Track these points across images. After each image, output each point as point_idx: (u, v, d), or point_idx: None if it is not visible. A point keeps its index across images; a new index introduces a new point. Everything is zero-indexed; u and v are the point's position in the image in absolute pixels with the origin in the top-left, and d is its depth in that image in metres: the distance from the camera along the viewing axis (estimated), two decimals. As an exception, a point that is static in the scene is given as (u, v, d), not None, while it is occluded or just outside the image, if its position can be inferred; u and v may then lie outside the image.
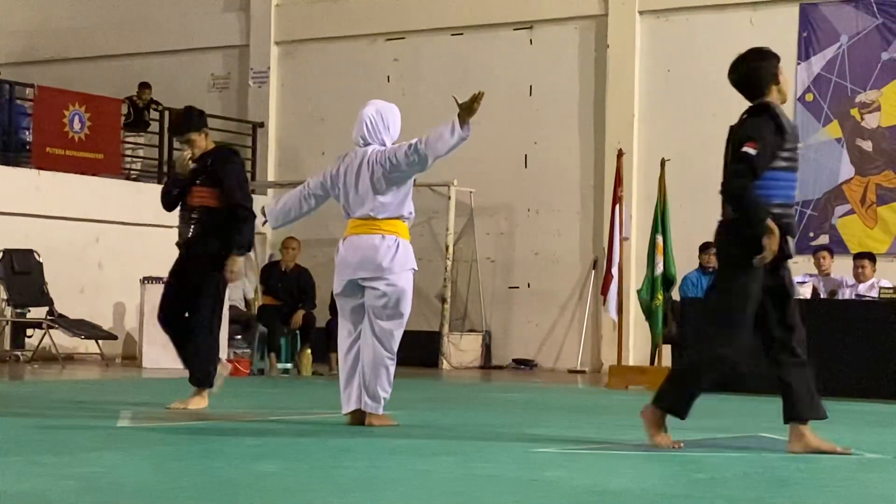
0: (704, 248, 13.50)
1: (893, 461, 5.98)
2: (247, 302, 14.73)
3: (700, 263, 13.47)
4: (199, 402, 8.05)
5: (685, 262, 13.30)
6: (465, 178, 16.38)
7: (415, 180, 7.19)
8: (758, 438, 6.89)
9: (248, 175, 18.70)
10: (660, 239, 12.47)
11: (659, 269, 12.38)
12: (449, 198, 16.57)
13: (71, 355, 15.01)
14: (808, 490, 5.11)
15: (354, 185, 7.06)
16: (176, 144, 8.19)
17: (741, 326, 5.90)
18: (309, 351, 13.75)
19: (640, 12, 16.25)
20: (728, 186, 5.89)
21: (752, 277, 5.88)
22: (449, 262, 16.55)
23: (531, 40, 17.02)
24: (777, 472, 5.50)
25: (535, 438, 6.65)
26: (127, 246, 15.40)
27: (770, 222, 5.78)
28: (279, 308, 13.82)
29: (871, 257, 12.74)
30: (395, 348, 7.04)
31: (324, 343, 13.59)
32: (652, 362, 12.86)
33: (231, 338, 13.66)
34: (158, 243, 13.43)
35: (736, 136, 6.00)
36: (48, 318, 14.43)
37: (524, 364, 16.42)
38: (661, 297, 12.33)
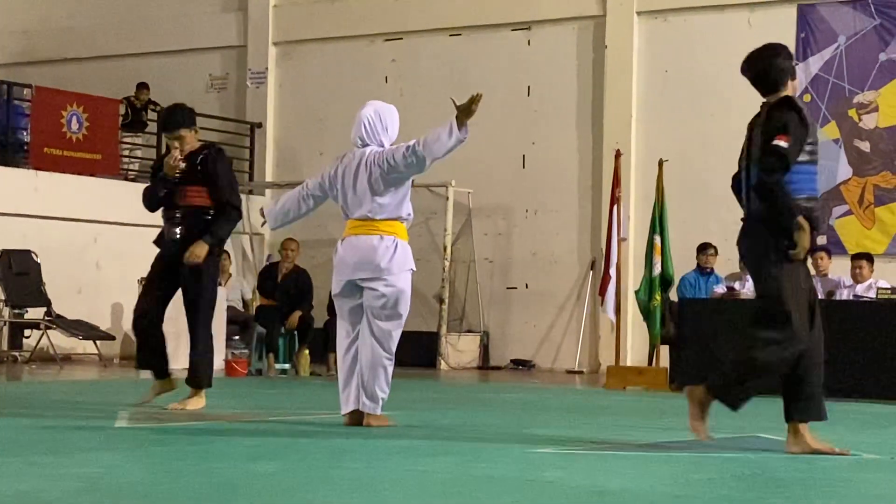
0: (702, 248, 13.51)
1: (891, 462, 5.98)
2: (245, 302, 14.73)
3: (698, 264, 13.48)
4: (198, 403, 8.05)
5: (683, 262, 13.31)
6: (462, 179, 16.38)
7: (413, 181, 7.19)
8: (756, 439, 6.89)
9: (247, 176, 18.73)
10: (658, 239, 12.47)
11: (657, 269, 12.38)
12: (447, 198, 16.58)
13: (69, 356, 15.01)
14: (806, 491, 5.12)
15: (353, 185, 7.06)
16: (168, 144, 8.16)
17: (797, 321, 5.87)
18: (307, 351, 13.75)
19: (638, 13, 16.26)
20: (762, 181, 5.81)
21: (792, 269, 5.88)
22: (447, 263, 16.56)
23: (529, 41, 17.02)
24: (775, 473, 5.50)
25: (533, 439, 6.65)
26: (125, 246, 15.39)
27: (801, 218, 5.79)
28: (277, 308, 13.82)
29: (869, 258, 12.74)
30: (394, 349, 7.04)
31: (322, 343, 13.60)
32: (650, 363, 12.86)
33: (229, 338, 13.66)
34: (156, 244, 13.42)
35: (760, 130, 5.92)
36: (46, 318, 14.42)
37: (522, 364, 16.43)
38: (658, 297, 12.33)
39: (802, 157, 5.92)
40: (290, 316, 13.71)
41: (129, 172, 17.52)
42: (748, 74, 6.13)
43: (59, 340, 14.63)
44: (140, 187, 8.30)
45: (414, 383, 11.98)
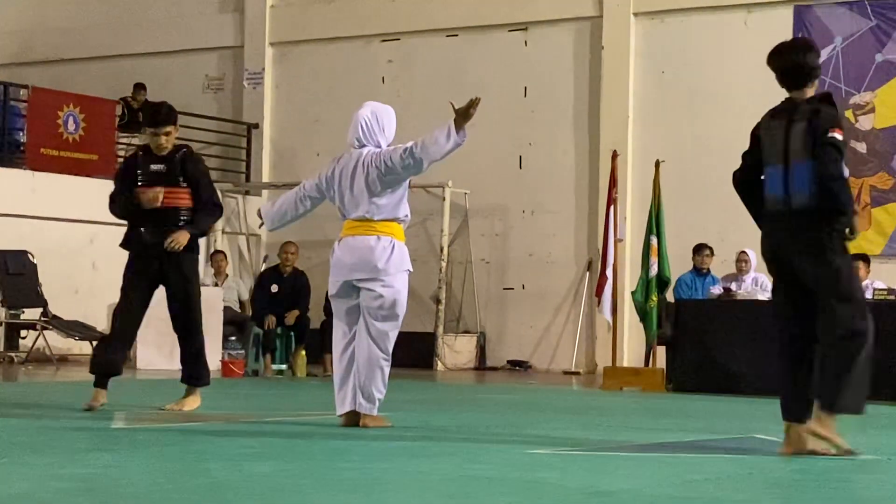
0: (698, 249, 13.51)
1: (888, 463, 5.99)
2: (241, 303, 14.72)
3: (694, 265, 13.48)
4: (194, 402, 8.06)
5: (679, 263, 13.31)
6: (459, 180, 16.38)
7: (410, 182, 7.19)
8: (752, 440, 6.90)
9: (244, 176, 18.74)
10: (654, 240, 12.47)
11: (653, 270, 12.38)
12: (443, 199, 16.58)
13: (65, 356, 14.99)
14: (803, 491, 5.12)
15: (350, 186, 7.06)
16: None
17: (863, 300, 5.91)
18: (303, 352, 13.75)
19: (635, 14, 16.26)
20: (828, 172, 5.80)
21: (848, 256, 5.93)
22: (443, 264, 16.56)
23: (526, 42, 17.03)
24: (771, 474, 5.51)
25: (530, 440, 6.65)
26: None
27: (855, 205, 5.85)
28: (276, 310, 13.81)
29: (866, 259, 12.75)
30: (390, 349, 7.05)
31: (318, 344, 13.59)
32: (646, 363, 12.86)
33: (226, 339, 13.66)
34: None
35: (804, 125, 5.87)
36: (42, 319, 14.42)
37: (519, 365, 16.43)
38: (655, 298, 12.33)
39: None
40: (289, 312, 13.70)
41: (126, 173, 17.49)
42: (779, 65, 6.05)
43: (56, 341, 14.62)
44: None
45: (411, 384, 11.98)
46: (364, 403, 6.98)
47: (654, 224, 12.53)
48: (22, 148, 16.15)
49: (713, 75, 15.79)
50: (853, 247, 12.47)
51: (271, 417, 7.90)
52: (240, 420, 7.66)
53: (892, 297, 11.62)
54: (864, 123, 15.01)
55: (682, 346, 12.12)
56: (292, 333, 13.91)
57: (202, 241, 18.02)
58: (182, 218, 7.96)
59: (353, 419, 7.02)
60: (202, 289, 14.12)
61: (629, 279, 14.59)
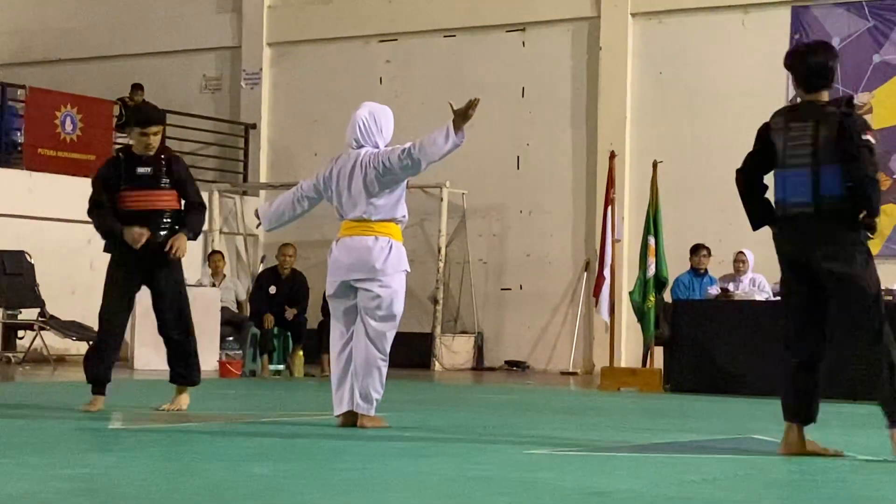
0: (695, 249, 13.51)
1: (885, 463, 5.99)
2: (238, 303, 14.72)
3: (692, 265, 13.48)
4: (186, 400, 8.08)
5: (677, 263, 13.31)
6: (457, 180, 16.39)
7: (407, 182, 7.19)
8: (749, 440, 6.90)
9: (241, 177, 18.74)
10: (652, 240, 12.48)
11: (651, 270, 12.39)
12: (441, 199, 16.58)
13: (62, 357, 14.99)
14: (800, 492, 5.12)
15: (347, 187, 7.06)
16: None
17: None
18: (301, 352, 13.75)
19: (633, 14, 16.27)
20: (866, 174, 5.82)
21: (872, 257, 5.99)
22: (441, 264, 16.56)
23: (524, 42, 17.03)
24: (769, 474, 5.51)
25: (528, 440, 6.66)
26: (119, 247, 15.37)
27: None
28: (274, 311, 13.81)
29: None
30: (388, 349, 7.04)
31: (316, 345, 13.59)
32: (644, 364, 12.86)
33: (223, 339, 13.65)
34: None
35: (834, 128, 5.87)
36: (40, 319, 14.41)
37: (516, 365, 16.43)
38: (653, 298, 12.34)
39: None
40: (289, 310, 13.71)
41: (124, 173, 17.48)
42: (804, 67, 6.02)
43: (53, 341, 14.61)
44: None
45: (408, 384, 11.98)
46: (361, 404, 6.98)
47: (652, 224, 12.53)
48: (19, 148, 16.15)
49: (711, 76, 15.80)
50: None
51: (269, 418, 7.90)
52: (237, 420, 7.66)
53: (889, 298, 11.62)
54: (862, 124, 15.01)
55: (680, 346, 12.13)
56: (289, 334, 13.91)
57: (199, 242, 18.08)
58: (167, 220, 7.95)
59: (350, 419, 7.02)
60: (200, 289, 14.27)
61: (627, 279, 14.61)
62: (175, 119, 17.74)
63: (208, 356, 13.75)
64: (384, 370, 7.04)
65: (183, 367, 8.10)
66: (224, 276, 14.85)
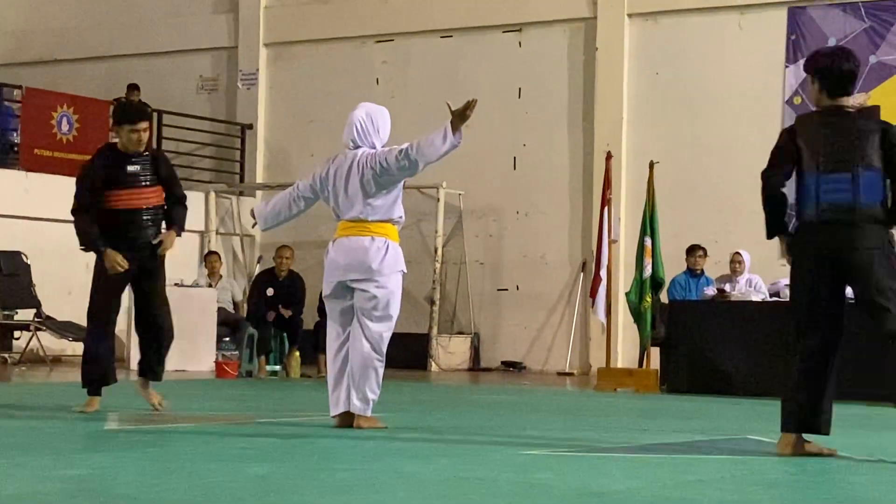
0: (691, 250, 13.51)
1: (880, 464, 5.99)
2: (235, 304, 14.71)
3: (688, 266, 13.48)
4: (158, 395, 8.09)
5: (673, 264, 13.32)
6: (453, 181, 16.38)
7: (404, 183, 7.19)
8: (746, 440, 6.90)
9: (237, 177, 18.73)
10: (648, 241, 12.48)
11: (647, 271, 12.39)
12: (438, 200, 16.58)
13: (59, 357, 14.98)
14: (796, 492, 5.13)
15: (344, 187, 7.06)
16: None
17: None
18: (297, 353, 13.74)
19: (629, 15, 16.27)
20: None
21: None
22: (438, 265, 16.55)
23: (520, 43, 17.03)
24: (766, 475, 5.51)
25: (524, 441, 6.66)
26: (115, 248, 15.36)
27: None
28: (269, 311, 13.81)
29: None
30: (384, 350, 7.04)
31: (312, 345, 13.59)
32: (640, 364, 12.87)
33: (219, 339, 13.64)
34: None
35: (878, 134, 5.91)
36: (36, 320, 14.39)
37: (513, 366, 16.43)
38: (649, 299, 12.34)
39: None
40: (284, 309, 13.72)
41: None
42: (838, 70, 6.00)
43: (49, 342, 14.60)
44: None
45: (405, 385, 11.98)
46: (358, 404, 6.97)
47: (649, 225, 12.53)
48: (15, 148, 16.14)
49: (707, 76, 15.81)
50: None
51: (265, 418, 7.90)
52: (234, 421, 7.65)
53: None
54: (858, 125, 15.02)
55: (676, 347, 12.13)
56: (286, 334, 13.91)
57: (195, 242, 18.03)
58: (156, 217, 7.95)
59: (347, 420, 7.01)
60: (196, 290, 14.26)
61: (623, 280, 14.61)
62: (171, 119, 17.74)
63: (205, 357, 13.78)
64: (381, 371, 7.03)
65: (158, 363, 8.10)
66: (220, 276, 14.83)
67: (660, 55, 16.13)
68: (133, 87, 17.86)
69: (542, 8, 16.74)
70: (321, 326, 11.93)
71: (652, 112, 16.10)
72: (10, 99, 16.47)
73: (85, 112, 16.33)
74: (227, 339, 13.75)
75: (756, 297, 12.27)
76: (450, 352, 16.35)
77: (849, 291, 6.07)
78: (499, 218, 16.99)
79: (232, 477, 4.95)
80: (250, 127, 18.57)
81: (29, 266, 14.74)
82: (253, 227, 7.80)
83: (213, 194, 17.63)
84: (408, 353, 14.88)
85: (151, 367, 8.09)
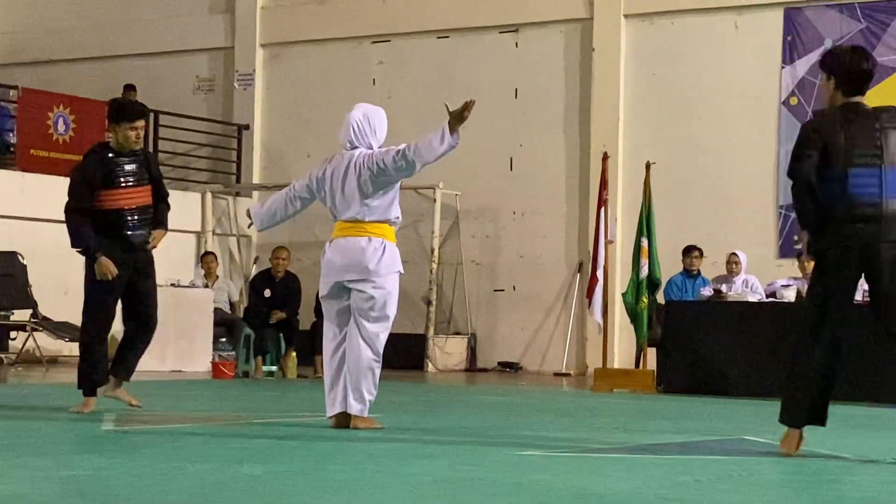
0: (687, 251, 13.52)
1: (877, 464, 6.00)
2: (231, 305, 14.71)
3: (684, 266, 13.49)
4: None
5: (670, 265, 13.32)
6: (450, 181, 16.39)
7: (400, 183, 7.19)
8: (742, 441, 6.91)
9: (234, 177, 18.71)
10: (645, 242, 12.48)
11: (644, 272, 12.40)
12: (434, 200, 16.58)
13: (55, 358, 14.96)
14: (793, 492, 5.13)
15: (341, 187, 7.06)
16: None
17: None
18: (294, 354, 13.74)
19: (626, 16, 16.28)
20: None
21: None
22: (434, 265, 16.56)
23: (517, 43, 17.03)
24: (762, 475, 5.52)
25: (521, 441, 6.66)
26: (111, 248, 15.35)
27: None
28: (267, 312, 13.81)
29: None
30: (381, 351, 7.04)
31: (309, 346, 13.58)
32: (637, 365, 12.87)
33: (216, 340, 13.64)
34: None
35: (894, 128, 5.95)
36: (32, 320, 14.38)
37: (509, 367, 16.43)
38: (646, 299, 12.35)
39: None
40: (274, 314, 13.71)
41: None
42: (861, 69, 6.03)
43: (45, 342, 14.59)
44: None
45: (401, 385, 11.98)
46: (354, 405, 6.97)
47: (645, 226, 12.54)
48: (12, 149, 16.13)
49: (704, 77, 15.81)
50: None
51: (261, 419, 7.89)
52: (230, 421, 7.65)
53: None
54: (854, 125, 15.02)
55: (673, 347, 12.13)
56: (282, 335, 13.91)
57: (192, 243, 18.01)
58: (150, 216, 7.96)
59: (343, 420, 7.01)
60: (193, 290, 14.25)
61: (620, 281, 14.61)
62: (168, 120, 17.73)
63: (201, 357, 13.78)
64: (377, 371, 7.03)
65: (135, 361, 8.08)
66: (217, 277, 14.84)
67: (656, 56, 16.14)
68: (129, 88, 17.85)
69: (539, 8, 16.75)
70: (318, 327, 11.95)
71: (648, 113, 16.11)
72: (6, 99, 16.46)
73: (81, 112, 16.32)
74: (224, 339, 13.75)
75: (752, 298, 12.28)
76: (446, 352, 16.35)
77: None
78: (495, 218, 16.99)
79: (228, 477, 4.95)
80: (247, 127, 18.57)
81: (25, 266, 14.73)
82: (249, 227, 7.80)
83: (209, 195, 17.62)
84: (404, 354, 14.89)
85: (128, 366, 8.03)
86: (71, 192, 7.90)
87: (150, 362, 13.19)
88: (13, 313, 14.59)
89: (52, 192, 15.42)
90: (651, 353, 12.70)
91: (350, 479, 4.94)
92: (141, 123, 7.92)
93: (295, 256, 15.13)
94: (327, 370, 7.11)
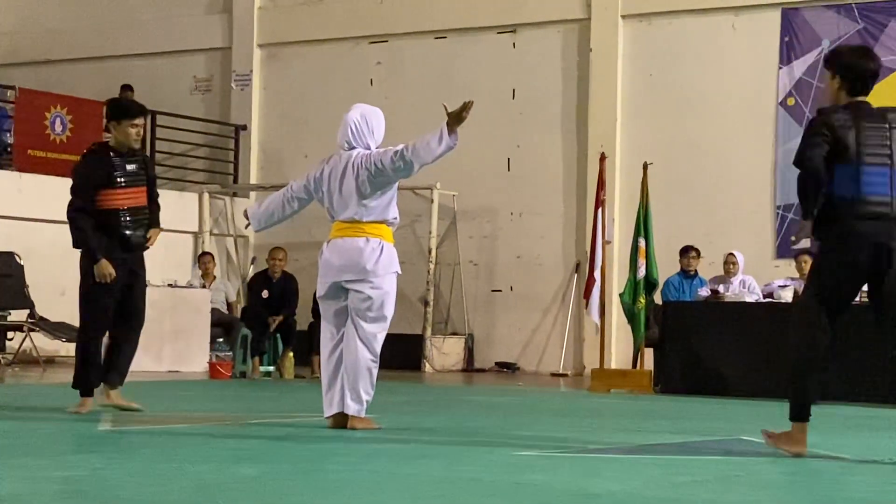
0: (684, 251, 13.52)
1: (874, 465, 6.00)
2: (229, 305, 14.71)
3: (681, 267, 13.49)
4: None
5: (667, 265, 13.33)
6: (448, 181, 16.39)
7: (398, 184, 7.19)
8: (739, 441, 6.91)
9: (231, 178, 18.71)
10: (642, 242, 12.49)
11: (641, 272, 12.40)
12: (432, 201, 16.58)
13: (52, 358, 14.96)
14: (790, 493, 5.13)
15: (339, 188, 7.06)
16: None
17: None
18: (291, 354, 13.74)
19: (623, 16, 16.28)
20: None
21: None
22: (432, 266, 16.56)
23: (514, 44, 17.03)
24: (759, 475, 5.52)
25: (518, 441, 6.66)
26: (109, 248, 15.34)
27: None
28: (265, 312, 13.80)
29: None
30: (379, 351, 7.04)
31: (306, 346, 13.58)
32: (634, 365, 12.87)
33: (213, 340, 13.63)
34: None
35: None
36: (29, 320, 14.37)
37: (507, 367, 16.43)
38: (643, 300, 12.35)
39: None
40: (272, 319, 13.71)
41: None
42: (870, 69, 6.04)
43: (43, 343, 14.58)
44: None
45: (398, 386, 11.98)
46: (352, 405, 6.97)
47: (642, 226, 12.55)
48: (9, 149, 16.12)
49: (701, 77, 15.82)
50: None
51: (259, 419, 7.89)
52: (227, 422, 7.65)
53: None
54: (852, 126, 15.03)
55: (670, 348, 12.14)
56: (279, 335, 13.91)
57: (189, 243, 17.98)
58: (145, 216, 7.97)
59: (340, 421, 7.01)
60: (190, 291, 14.25)
61: (617, 281, 14.61)
62: (165, 120, 17.72)
63: (198, 357, 13.78)
64: (375, 371, 7.03)
65: (127, 364, 8.06)
66: (214, 277, 14.84)
67: (654, 56, 16.14)
68: (127, 88, 17.84)
69: (537, 9, 16.75)
70: (315, 327, 11.94)
71: (646, 113, 16.11)
72: (3, 99, 16.45)
73: (78, 113, 16.31)
74: (221, 339, 13.75)
75: (750, 298, 12.28)
76: (444, 353, 16.35)
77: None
78: (493, 219, 16.99)
79: (225, 477, 4.94)
80: (244, 128, 18.56)
81: (22, 267, 14.72)
82: (246, 227, 7.79)
83: (206, 195, 17.62)
84: (402, 354, 14.88)
85: (120, 370, 8.00)
86: (76, 191, 7.88)
87: (146, 362, 13.23)
88: (10, 313, 14.58)
89: (50, 192, 15.44)
90: (648, 353, 12.71)
91: (347, 480, 4.94)
92: (142, 121, 7.95)
93: (292, 257, 15.12)
94: (325, 370, 7.11)
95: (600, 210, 12.96)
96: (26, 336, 14.33)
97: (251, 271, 15.74)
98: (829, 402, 9.78)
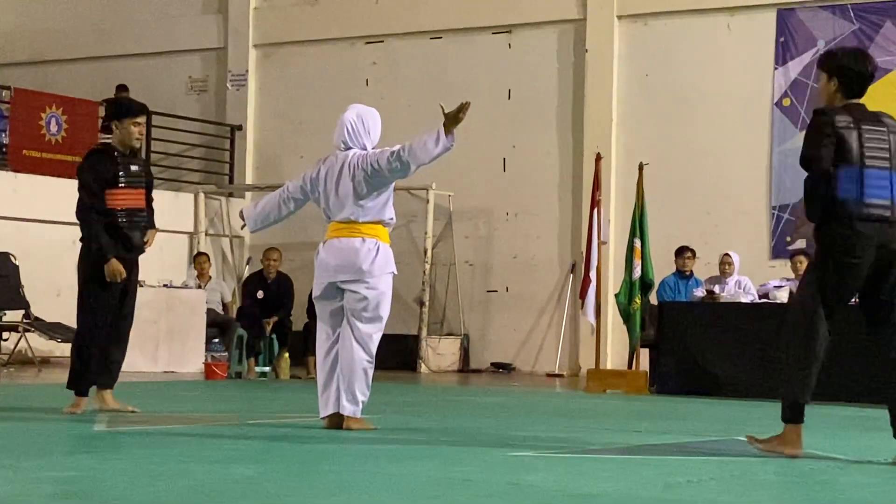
0: (680, 252, 13.53)
1: (870, 465, 6.00)
2: (224, 305, 14.70)
3: (677, 267, 13.50)
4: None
5: (663, 265, 13.33)
6: (443, 182, 16.38)
7: (394, 184, 7.19)
8: (734, 442, 6.91)
9: (227, 178, 18.70)
10: (638, 243, 12.49)
11: (637, 272, 12.40)
12: (427, 201, 16.58)
13: (47, 359, 14.95)
14: (786, 493, 5.13)
15: (335, 188, 7.06)
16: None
17: None
18: (287, 354, 13.73)
19: (619, 17, 16.29)
20: None
21: None
22: (427, 266, 16.55)
23: (510, 44, 17.04)
24: (755, 476, 5.52)
25: (514, 442, 6.66)
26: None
27: None
28: (262, 314, 13.80)
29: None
30: (374, 351, 7.04)
31: (302, 346, 13.57)
32: (630, 366, 12.88)
33: (209, 341, 13.62)
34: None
35: None
36: (24, 321, 14.36)
37: (502, 368, 16.43)
38: (638, 300, 12.36)
39: None
40: (267, 321, 13.70)
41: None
42: (860, 71, 6.03)
43: (38, 343, 14.56)
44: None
45: (394, 386, 11.98)
46: (347, 406, 6.97)
47: (638, 227, 12.55)
48: (4, 149, 16.10)
49: (697, 78, 15.83)
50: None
51: (254, 420, 7.89)
52: (222, 422, 7.64)
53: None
54: (847, 127, 15.04)
55: (666, 348, 12.14)
56: (274, 336, 13.90)
57: (184, 244, 17.96)
58: (144, 217, 7.98)
59: (336, 421, 7.01)
60: (185, 291, 14.23)
61: (613, 282, 14.63)
62: (160, 120, 17.70)
63: (194, 358, 13.77)
64: (370, 372, 7.03)
65: (119, 366, 8.05)
66: (210, 277, 14.82)
67: (649, 57, 16.15)
68: (122, 88, 17.83)
69: (532, 9, 16.75)
70: (311, 328, 11.93)
71: (641, 114, 16.12)
72: (-2, 99, 16.44)
73: (74, 113, 16.30)
74: (217, 340, 13.73)
75: (745, 299, 12.29)
76: (439, 353, 16.35)
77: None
78: (488, 219, 16.99)
79: (221, 478, 4.94)
80: (240, 128, 18.56)
81: (17, 267, 14.70)
82: (242, 228, 7.79)
83: (202, 195, 17.61)
84: (397, 355, 14.89)
85: (112, 372, 7.99)
86: (88, 191, 7.88)
87: (142, 363, 13.23)
88: (5, 314, 14.56)
89: (45, 192, 15.45)
90: (644, 353, 12.72)
91: (343, 480, 4.94)
92: (143, 119, 8.02)
93: (287, 257, 15.12)
94: (320, 371, 7.11)
95: (596, 210, 12.96)
96: (21, 336, 14.31)
97: (246, 272, 15.73)
98: (817, 403, 9.79)
